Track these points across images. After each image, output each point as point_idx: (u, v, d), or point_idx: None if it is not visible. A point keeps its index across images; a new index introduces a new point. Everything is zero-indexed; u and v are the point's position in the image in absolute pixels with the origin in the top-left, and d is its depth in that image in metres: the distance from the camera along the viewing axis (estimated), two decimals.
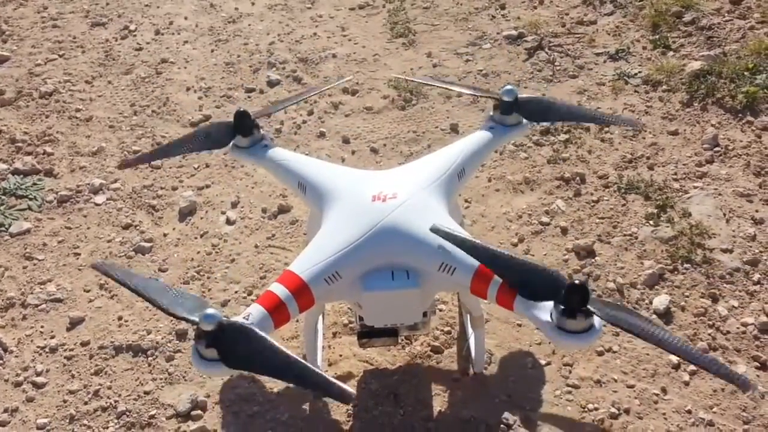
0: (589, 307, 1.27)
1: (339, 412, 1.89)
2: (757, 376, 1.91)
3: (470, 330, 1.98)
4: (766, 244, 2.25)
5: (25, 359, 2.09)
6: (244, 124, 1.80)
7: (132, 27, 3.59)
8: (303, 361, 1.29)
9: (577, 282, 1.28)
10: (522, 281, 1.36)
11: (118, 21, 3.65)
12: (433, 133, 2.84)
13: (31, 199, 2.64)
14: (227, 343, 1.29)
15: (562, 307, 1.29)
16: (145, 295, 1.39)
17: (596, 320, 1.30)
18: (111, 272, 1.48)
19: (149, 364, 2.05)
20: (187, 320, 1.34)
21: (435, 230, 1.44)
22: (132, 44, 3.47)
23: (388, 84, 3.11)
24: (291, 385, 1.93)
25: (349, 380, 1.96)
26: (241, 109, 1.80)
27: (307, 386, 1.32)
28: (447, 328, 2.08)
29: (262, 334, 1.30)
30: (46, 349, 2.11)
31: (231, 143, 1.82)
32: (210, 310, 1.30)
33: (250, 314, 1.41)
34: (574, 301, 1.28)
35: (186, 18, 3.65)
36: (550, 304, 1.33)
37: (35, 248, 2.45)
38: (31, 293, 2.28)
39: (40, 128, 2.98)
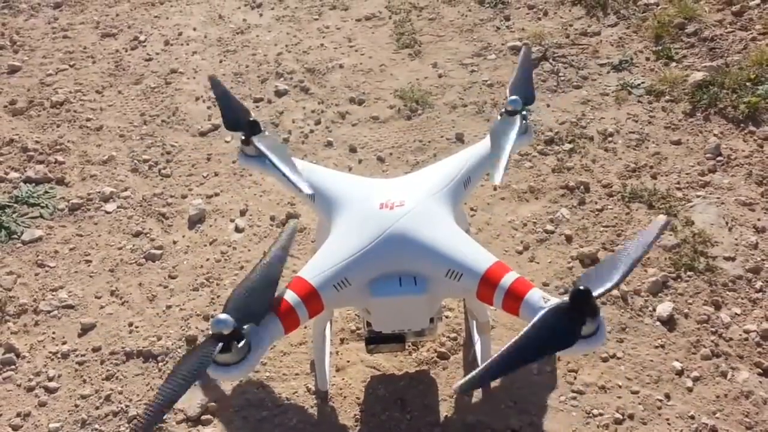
0: (595, 295, 1.28)
1: (346, 417, 1.92)
2: (760, 382, 1.93)
3: (476, 336, 2.00)
4: None
5: (38, 364, 2.12)
6: (254, 134, 1.83)
7: (142, 38, 3.65)
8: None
9: (581, 288, 1.31)
10: (547, 344, 1.31)
11: (128, 32, 3.71)
12: (438, 142, 2.88)
13: (42, 207, 2.68)
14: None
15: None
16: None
17: (601, 324, 1.33)
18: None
19: (160, 370, 2.08)
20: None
21: (459, 390, 1.42)
22: (142, 55, 3.53)
23: (395, 94, 3.15)
24: (302, 388, 1.95)
25: (356, 386, 1.98)
26: (251, 118, 1.83)
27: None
28: (453, 335, 2.10)
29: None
30: (58, 355, 2.14)
31: (241, 152, 1.86)
32: (222, 316, 1.33)
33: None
34: (581, 306, 1.30)
35: (195, 29, 3.71)
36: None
37: (47, 255, 2.49)
38: (43, 300, 2.32)
39: (51, 137, 3.03)
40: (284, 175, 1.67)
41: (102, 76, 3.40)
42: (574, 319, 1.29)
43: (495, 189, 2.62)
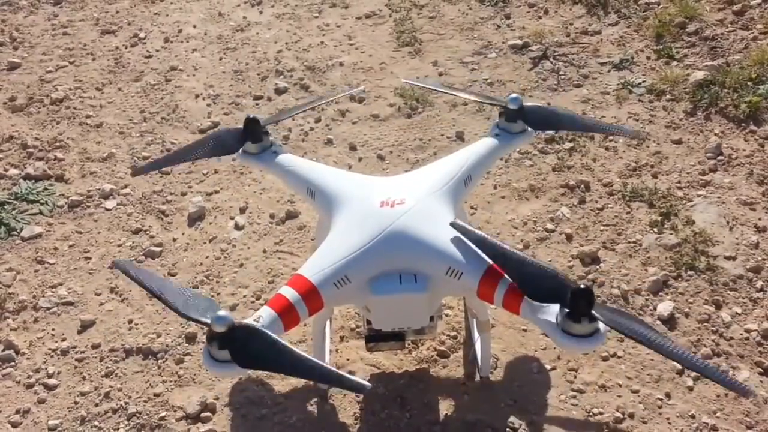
0: (593, 312, 1.30)
1: (346, 415, 1.91)
2: (761, 381, 1.93)
3: (476, 334, 2.00)
4: None
5: (37, 361, 2.12)
6: (253, 131, 1.83)
7: (142, 35, 3.64)
8: (313, 358, 1.32)
9: (582, 286, 1.31)
10: (530, 283, 1.39)
11: (128, 29, 3.70)
12: (439, 140, 2.88)
13: (42, 204, 2.68)
14: (239, 344, 1.32)
15: (568, 311, 1.32)
16: (161, 297, 1.42)
17: (601, 324, 1.33)
18: (129, 270, 1.52)
19: (159, 367, 2.08)
20: (199, 322, 1.37)
21: (453, 225, 1.51)
22: (142, 52, 3.52)
23: (395, 92, 3.15)
24: (305, 380, 1.96)
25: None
26: (251, 116, 1.83)
27: (321, 380, 1.35)
28: (453, 333, 2.10)
29: (272, 333, 1.33)
30: (58, 352, 2.14)
31: (240, 149, 1.86)
32: (221, 312, 1.33)
33: (260, 317, 1.43)
34: (579, 305, 1.30)
35: (195, 26, 3.70)
36: (556, 308, 1.36)
37: (47, 252, 2.49)
38: (43, 296, 2.32)
39: (51, 134, 3.02)
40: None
41: (102, 73, 3.40)
42: (562, 297, 1.32)
43: (495, 188, 2.62)
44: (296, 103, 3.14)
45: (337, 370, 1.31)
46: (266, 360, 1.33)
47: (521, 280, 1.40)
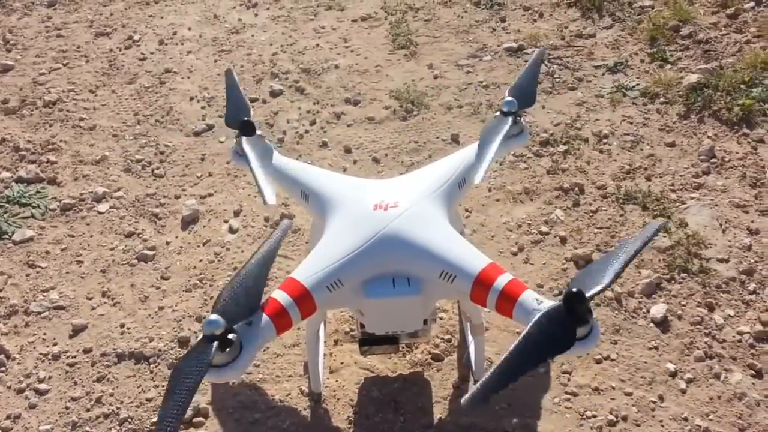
0: (588, 296, 1.28)
1: (340, 419, 1.91)
2: (753, 384, 1.93)
3: (470, 338, 2.00)
4: (762, 254, 2.28)
5: (28, 366, 2.10)
6: (248, 133, 1.83)
7: (136, 37, 3.63)
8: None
9: (574, 290, 1.30)
10: (547, 347, 1.30)
11: (122, 31, 3.69)
12: (434, 143, 2.87)
13: (34, 207, 2.66)
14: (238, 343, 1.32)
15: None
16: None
17: (594, 325, 1.32)
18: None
19: (151, 371, 2.07)
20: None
21: (465, 408, 1.31)
22: (136, 54, 3.51)
23: (390, 95, 3.15)
24: (295, 389, 1.94)
25: (349, 387, 1.97)
26: (246, 119, 1.83)
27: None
28: (447, 336, 2.10)
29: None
30: (49, 356, 2.13)
31: (234, 151, 1.86)
32: (213, 316, 1.32)
33: (252, 320, 1.42)
34: (575, 308, 1.29)
35: (190, 29, 3.70)
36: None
37: (38, 256, 2.47)
38: (34, 301, 2.30)
39: (43, 137, 3.01)
40: (255, 181, 1.68)
41: (95, 75, 3.39)
42: (568, 322, 1.29)
43: (490, 190, 2.62)
44: (291, 105, 3.13)
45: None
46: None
47: (539, 358, 1.30)
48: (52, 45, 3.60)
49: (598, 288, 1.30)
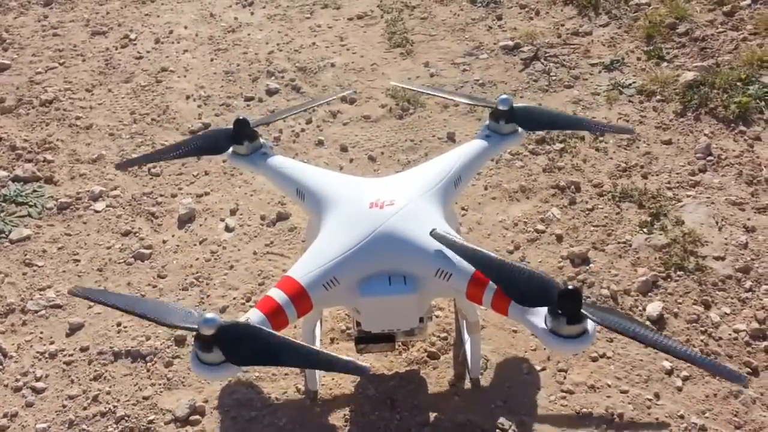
0: (583, 311, 1.30)
1: (336, 417, 1.91)
2: (749, 381, 1.93)
3: (466, 336, 2.00)
4: (758, 252, 2.28)
5: (25, 364, 2.10)
6: (243, 132, 1.83)
7: (132, 36, 3.63)
8: (307, 344, 1.31)
9: (571, 287, 1.31)
10: (516, 288, 1.38)
11: (119, 30, 3.69)
12: (430, 141, 2.87)
13: (31, 206, 2.66)
14: (231, 344, 1.31)
15: (557, 312, 1.32)
16: (134, 312, 1.42)
17: (590, 325, 1.33)
18: (90, 296, 1.52)
19: (148, 370, 2.07)
20: (185, 329, 1.36)
21: (434, 235, 1.48)
22: (132, 53, 3.51)
23: (386, 93, 3.15)
24: (295, 387, 1.95)
25: (345, 386, 1.98)
26: (241, 117, 1.83)
27: (320, 367, 1.34)
28: (443, 334, 2.10)
29: (263, 327, 1.33)
30: (46, 355, 2.13)
31: (230, 150, 1.86)
32: (209, 315, 1.32)
33: (248, 318, 1.43)
34: (568, 306, 1.30)
35: (186, 27, 3.69)
36: (544, 309, 1.36)
37: (35, 255, 2.47)
38: (31, 299, 2.30)
39: (40, 136, 3.01)
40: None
41: (92, 74, 3.38)
42: (550, 299, 1.32)
43: (486, 188, 2.62)
44: (287, 105, 3.13)
45: (333, 354, 1.30)
46: (261, 354, 1.32)
47: (507, 286, 1.40)
48: (48, 44, 3.60)
49: (597, 317, 1.31)
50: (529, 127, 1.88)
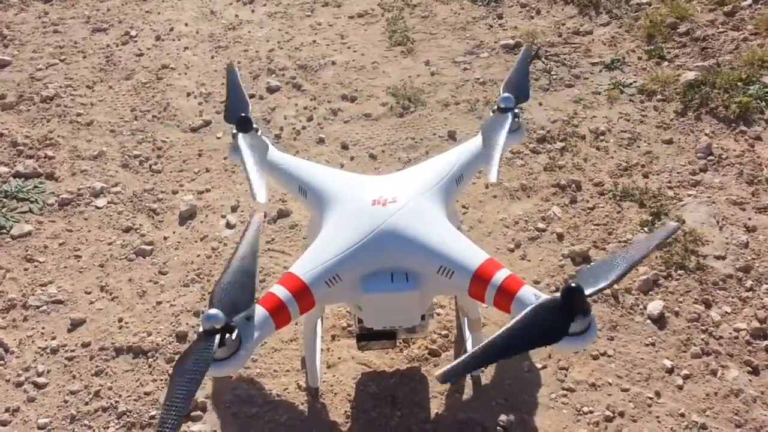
0: (587, 293, 1.28)
1: (337, 413, 1.91)
2: (750, 380, 1.94)
3: (467, 333, 2.00)
4: (759, 251, 2.29)
5: (27, 360, 2.10)
6: (244, 129, 1.83)
7: (133, 33, 3.62)
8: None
9: (572, 285, 1.30)
10: (535, 338, 1.30)
11: (119, 27, 3.68)
12: (431, 140, 2.88)
13: (32, 202, 2.66)
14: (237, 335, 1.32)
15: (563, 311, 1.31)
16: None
17: (592, 320, 1.33)
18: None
19: (150, 366, 2.07)
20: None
21: (442, 380, 1.29)
22: (133, 50, 3.50)
23: (387, 91, 3.15)
24: (293, 383, 1.94)
25: (347, 383, 1.98)
26: (243, 114, 1.83)
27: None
28: (445, 332, 2.10)
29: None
30: (47, 350, 2.13)
31: (231, 146, 1.86)
32: (212, 311, 1.32)
33: (251, 315, 1.43)
34: (573, 303, 1.30)
35: (186, 24, 3.69)
36: None
37: (36, 250, 2.47)
38: (32, 295, 2.30)
39: (41, 132, 3.01)
40: (247, 177, 1.67)
41: (92, 71, 3.38)
42: (563, 315, 1.29)
43: (487, 187, 2.62)
44: (288, 101, 3.13)
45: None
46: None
47: (527, 346, 1.34)
48: (49, 41, 3.59)
49: (600, 286, 1.30)
50: (522, 97, 1.83)
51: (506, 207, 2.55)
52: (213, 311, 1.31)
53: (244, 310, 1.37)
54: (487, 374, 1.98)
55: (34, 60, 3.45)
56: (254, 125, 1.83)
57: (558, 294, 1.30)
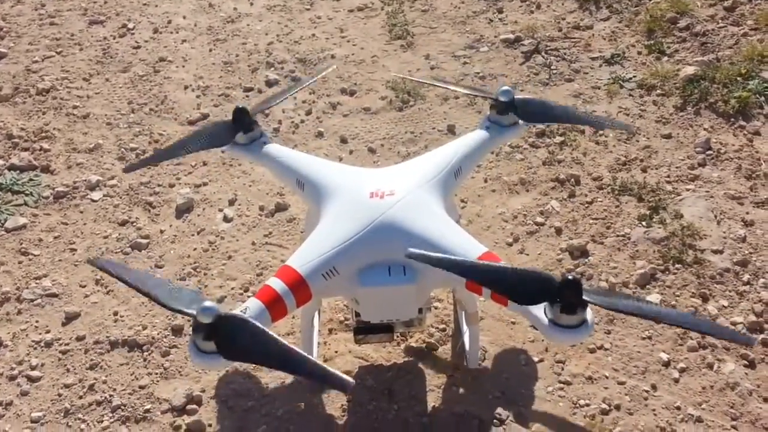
0: (585, 297, 1.29)
1: (334, 407, 1.91)
2: (746, 374, 1.93)
3: (465, 327, 2.00)
4: (756, 246, 2.28)
5: (20, 353, 2.09)
6: (242, 121, 1.82)
7: (130, 25, 3.60)
8: (301, 351, 1.29)
9: (570, 277, 1.30)
10: (513, 289, 1.34)
11: (117, 19, 3.66)
12: (430, 134, 2.87)
13: (27, 195, 2.64)
14: (225, 335, 1.30)
15: (558, 303, 1.31)
16: (142, 290, 1.40)
17: (589, 314, 1.32)
18: (107, 267, 1.48)
19: (145, 359, 2.06)
20: (184, 313, 1.35)
21: (410, 255, 1.37)
22: (130, 42, 3.49)
23: (386, 85, 3.13)
24: (291, 375, 1.94)
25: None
26: (240, 106, 1.82)
27: (307, 376, 1.32)
28: (442, 326, 2.10)
29: (260, 325, 1.31)
30: (41, 344, 2.12)
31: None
32: (208, 303, 1.31)
33: (247, 308, 1.42)
34: (570, 296, 1.29)
35: (184, 17, 3.67)
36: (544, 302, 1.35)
37: (31, 243, 2.46)
38: (27, 288, 2.29)
39: (37, 124, 2.99)
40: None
41: (89, 63, 3.36)
42: (551, 293, 1.30)
43: (486, 181, 2.61)
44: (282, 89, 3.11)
45: (323, 366, 1.27)
46: (253, 352, 1.31)
47: (502, 290, 1.36)
48: (45, 33, 3.57)
49: (598, 300, 1.30)
50: (528, 119, 1.87)
51: (505, 201, 2.54)
52: (208, 303, 1.31)
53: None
54: (483, 367, 1.98)
55: (30, 52, 3.43)
56: (253, 119, 1.82)
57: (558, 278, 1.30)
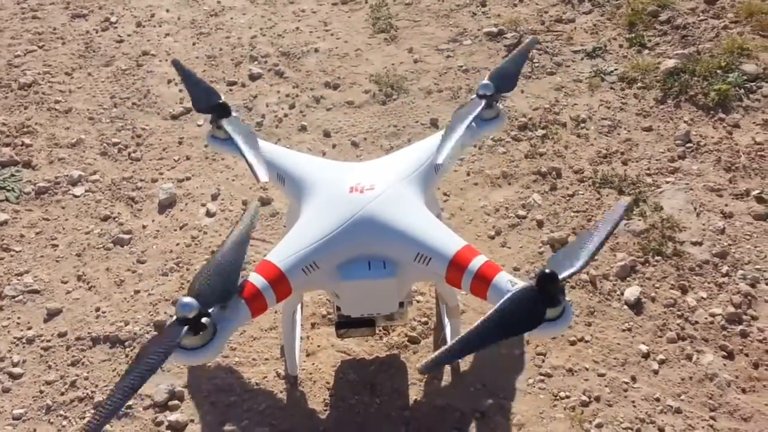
0: (562, 275, 1.29)
1: (316, 401, 1.91)
2: (724, 365, 1.96)
3: (446, 320, 2.01)
4: (735, 237, 2.31)
5: (2, 350, 2.08)
6: (225, 115, 1.81)
7: (113, 19, 3.57)
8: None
9: (547, 271, 1.31)
10: (513, 328, 1.31)
11: (99, 13, 3.63)
12: (413, 127, 2.87)
13: (8, 191, 2.62)
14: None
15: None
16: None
17: (567, 306, 1.34)
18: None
19: (127, 355, 2.06)
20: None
21: (423, 371, 1.31)
22: (113, 36, 3.46)
23: (370, 79, 3.13)
24: (273, 372, 1.94)
25: (326, 370, 1.98)
26: (221, 101, 1.81)
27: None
28: (424, 319, 2.11)
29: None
30: (23, 340, 2.11)
31: (209, 134, 1.84)
32: (186, 299, 1.31)
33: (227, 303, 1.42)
34: (549, 288, 1.30)
35: (168, 11, 3.64)
36: None
37: (12, 240, 2.44)
38: (8, 284, 2.27)
39: (18, 119, 2.96)
40: (246, 159, 1.66)
41: (71, 57, 3.33)
42: (539, 301, 1.30)
43: (468, 174, 2.62)
44: (270, 88, 3.10)
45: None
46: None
47: (506, 334, 1.32)
48: (27, 27, 3.53)
49: (572, 270, 1.31)
50: (506, 87, 1.84)
51: (487, 194, 2.55)
52: (187, 299, 1.30)
53: (224, 301, 1.36)
54: (465, 360, 1.99)
55: (12, 46, 3.40)
56: (232, 111, 1.81)
57: (533, 281, 1.31)
